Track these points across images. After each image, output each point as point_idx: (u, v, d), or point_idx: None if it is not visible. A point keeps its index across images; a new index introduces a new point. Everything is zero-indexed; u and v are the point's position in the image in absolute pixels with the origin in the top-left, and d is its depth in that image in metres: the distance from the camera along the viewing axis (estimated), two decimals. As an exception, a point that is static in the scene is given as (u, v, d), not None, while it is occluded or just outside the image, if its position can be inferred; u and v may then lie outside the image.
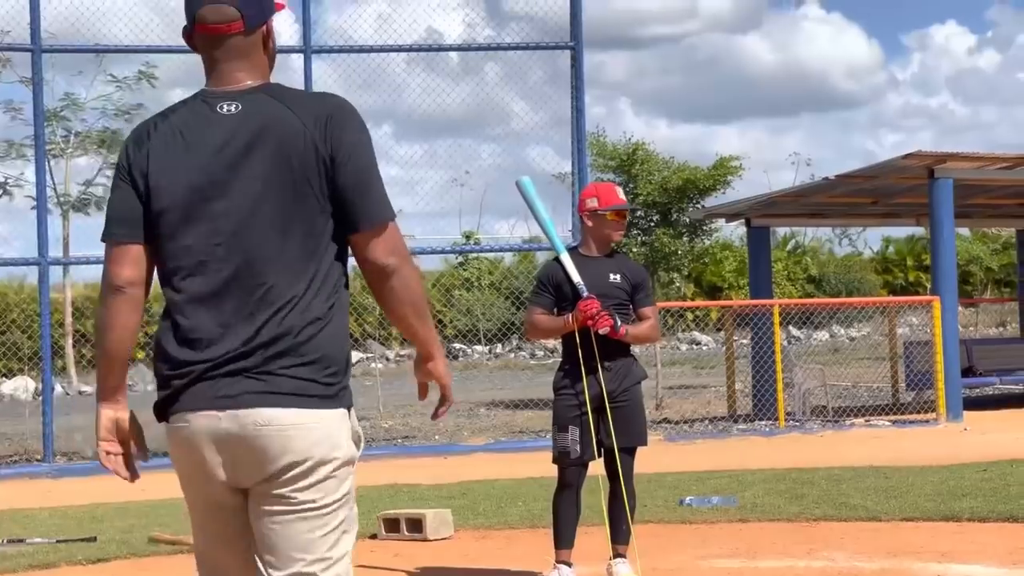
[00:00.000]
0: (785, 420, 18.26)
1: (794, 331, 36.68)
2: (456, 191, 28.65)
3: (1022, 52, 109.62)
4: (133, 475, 3.63)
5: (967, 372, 19.63)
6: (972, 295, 44.74)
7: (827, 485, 11.14)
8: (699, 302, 38.27)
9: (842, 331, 42.67)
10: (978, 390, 21.44)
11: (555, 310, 7.00)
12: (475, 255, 45.46)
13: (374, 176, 3.51)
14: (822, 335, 42.19)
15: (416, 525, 9.21)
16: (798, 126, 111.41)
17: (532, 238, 57.19)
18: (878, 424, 18.20)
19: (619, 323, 6.81)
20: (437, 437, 20.25)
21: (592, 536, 7.66)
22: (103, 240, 3.56)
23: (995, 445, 14.94)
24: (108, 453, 3.58)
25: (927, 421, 18.08)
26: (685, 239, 23.74)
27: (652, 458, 9.62)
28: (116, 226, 3.54)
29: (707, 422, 19.71)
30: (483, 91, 18.43)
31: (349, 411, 3.51)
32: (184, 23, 3.62)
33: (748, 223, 21.63)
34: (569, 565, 6.96)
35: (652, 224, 24.05)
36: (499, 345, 41.68)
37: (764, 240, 22.09)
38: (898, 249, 54.53)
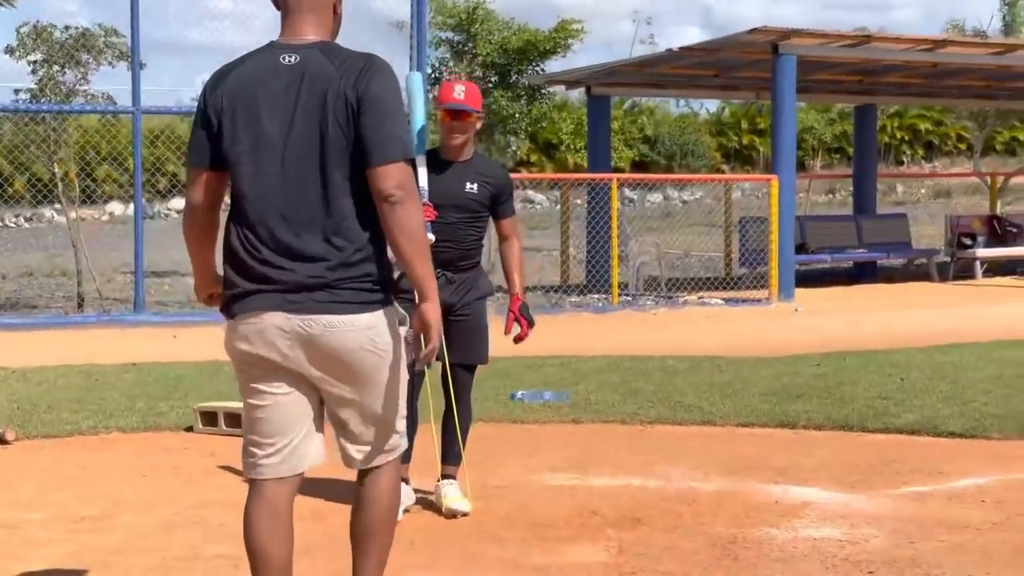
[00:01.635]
0: (619, 295, 18.06)
1: (628, 193, 36.63)
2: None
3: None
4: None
5: (800, 249, 19.61)
6: (804, 162, 45.09)
7: (661, 378, 10.90)
8: (536, 174, 37.95)
9: (676, 194, 42.74)
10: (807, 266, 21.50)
11: None
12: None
13: (393, 121, 4.08)
14: (656, 197, 42.26)
15: (236, 420, 8.72)
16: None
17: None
18: (711, 302, 18.10)
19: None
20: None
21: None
22: (184, 165, 4.37)
23: (826, 330, 14.94)
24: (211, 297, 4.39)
25: (759, 300, 18.03)
26: (523, 102, 23.24)
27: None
28: (191, 155, 4.21)
29: (540, 291, 19.44)
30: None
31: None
32: None
33: (588, 91, 21.19)
34: (407, 482, 6.54)
35: (490, 86, 23.48)
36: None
37: (604, 110, 21.71)
38: (733, 111, 54.64)
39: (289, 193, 4.07)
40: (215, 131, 4.13)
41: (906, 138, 54.82)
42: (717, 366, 11.63)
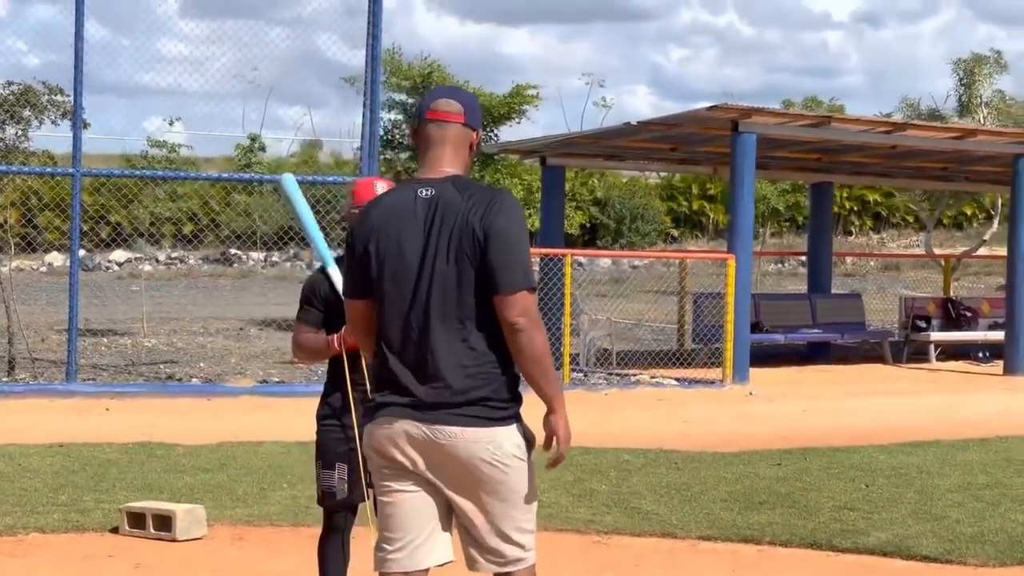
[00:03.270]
0: (570, 371, 17.56)
1: (579, 256, 36.27)
2: (244, 76, 27.10)
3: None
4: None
5: (754, 327, 19.22)
6: (755, 231, 44.93)
7: (616, 478, 10.43)
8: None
9: (625, 261, 42.42)
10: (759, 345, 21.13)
11: (325, 328, 5.93)
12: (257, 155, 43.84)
13: (518, 252, 4.42)
14: (605, 261, 41.93)
15: (165, 523, 8.17)
16: (588, 34, 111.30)
17: (314, 141, 55.69)
18: (664, 383, 17.66)
19: None
20: (202, 365, 19.15)
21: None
22: (344, 296, 4.78)
23: (782, 419, 14.55)
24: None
25: (713, 382, 17.62)
26: (476, 168, 22.85)
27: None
28: (347, 286, 4.69)
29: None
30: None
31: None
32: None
33: (543, 161, 20.80)
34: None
35: (443, 151, 23.08)
36: (276, 253, 40.34)
37: (558, 180, 21.29)
38: (683, 177, 54.46)
39: (424, 318, 4.43)
40: (365, 264, 4.53)
41: (855, 208, 54.85)
42: (674, 463, 11.17)
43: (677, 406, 15.71)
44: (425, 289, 4.43)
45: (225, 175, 22.92)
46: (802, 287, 31.53)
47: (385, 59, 21.83)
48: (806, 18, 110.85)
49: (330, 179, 18.31)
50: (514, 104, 22.92)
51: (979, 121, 26.45)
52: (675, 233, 54.57)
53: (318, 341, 5.86)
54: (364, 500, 5.92)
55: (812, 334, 20.95)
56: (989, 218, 52.07)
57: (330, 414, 5.96)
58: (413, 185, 4.57)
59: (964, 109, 27.51)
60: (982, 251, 30.19)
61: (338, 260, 6.00)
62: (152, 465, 10.54)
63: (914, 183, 25.62)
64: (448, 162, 4.57)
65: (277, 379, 17.30)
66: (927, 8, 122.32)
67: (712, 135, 18.92)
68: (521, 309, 4.37)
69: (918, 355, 21.42)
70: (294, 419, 13.62)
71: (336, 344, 5.78)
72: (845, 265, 46.99)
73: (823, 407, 15.74)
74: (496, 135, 23.36)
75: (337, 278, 5.82)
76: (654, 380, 17.81)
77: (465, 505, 4.52)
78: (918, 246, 51.50)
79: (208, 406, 14.73)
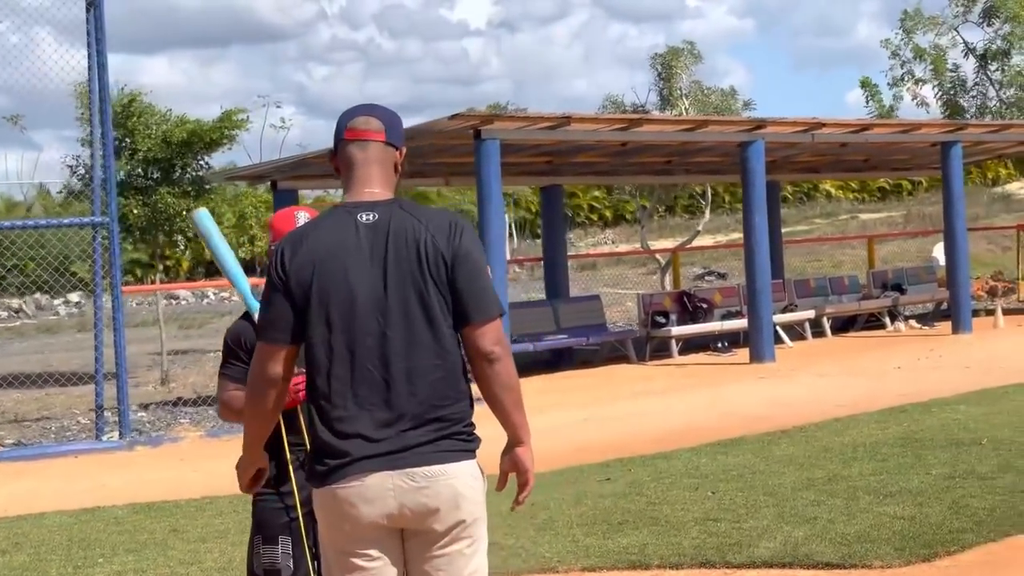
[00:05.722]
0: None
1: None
2: None
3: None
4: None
5: (502, 339, 18.74)
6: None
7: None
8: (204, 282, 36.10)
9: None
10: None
11: None
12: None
13: (485, 278, 4.12)
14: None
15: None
16: (228, 58, 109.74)
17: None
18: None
19: None
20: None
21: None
22: (258, 341, 4.15)
23: (568, 431, 14.11)
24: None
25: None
26: (191, 198, 21.68)
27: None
28: (272, 331, 4.10)
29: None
30: None
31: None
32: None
33: (274, 186, 19.83)
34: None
35: (153, 183, 21.84)
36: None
37: (290, 203, 20.35)
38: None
39: (388, 354, 4.05)
40: (299, 303, 4.07)
41: (538, 210, 55.34)
42: (494, 488, 10.51)
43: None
44: (380, 323, 4.06)
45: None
46: (512, 295, 31.51)
47: (78, 91, 20.52)
48: (444, 28, 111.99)
49: (43, 223, 16.81)
50: (225, 129, 21.83)
51: (682, 112, 26.76)
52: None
53: None
54: (312, 575, 5.11)
55: (558, 340, 20.62)
56: (669, 212, 53.61)
57: (265, 484, 5.11)
58: (348, 210, 4.14)
59: (666, 102, 27.81)
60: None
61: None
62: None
63: (638, 179, 25.70)
64: (378, 183, 4.19)
65: (11, 441, 15.85)
66: (560, 10, 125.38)
67: (448, 145, 18.41)
68: (495, 337, 4.09)
69: (660, 351, 21.38)
70: (58, 484, 12.46)
71: None
72: (539, 270, 47.26)
73: (601, 414, 15.38)
74: (207, 161, 22.22)
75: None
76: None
77: (431, 559, 4.14)
78: (607, 243, 52.37)
79: (-50, 479, 13.32)
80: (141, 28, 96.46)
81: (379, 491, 4.05)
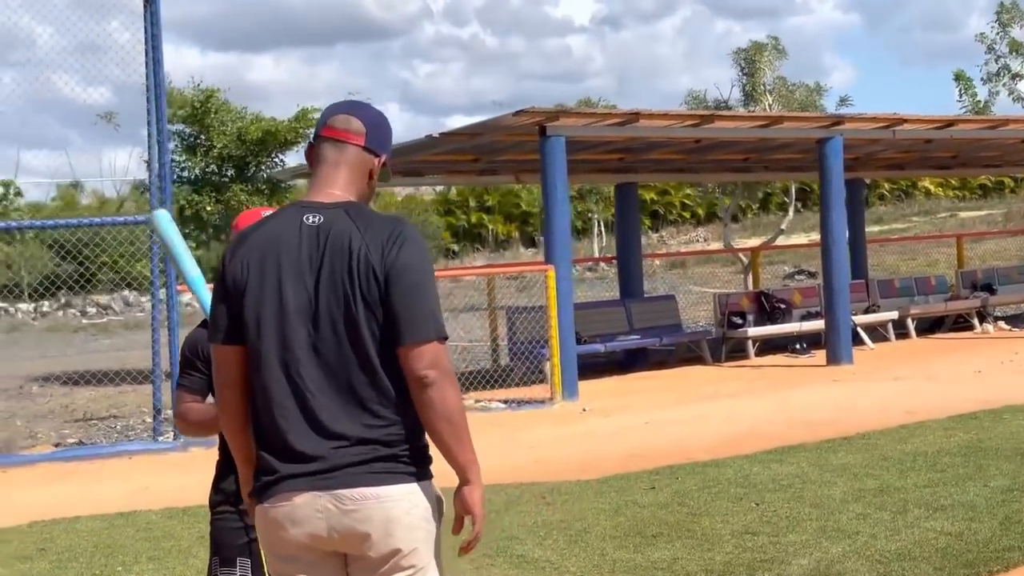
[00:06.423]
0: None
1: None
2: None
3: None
4: None
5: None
6: (534, 238, 44.44)
7: (493, 521, 9.43)
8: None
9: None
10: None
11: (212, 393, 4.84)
12: (14, 201, 41.74)
13: (423, 296, 3.77)
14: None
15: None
16: (333, 56, 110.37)
17: (75, 183, 53.25)
18: (491, 406, 16.73)
19: None
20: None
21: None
22: (209, 342, 3.97)
23: (626, 435, 13.78)
24: None
25: (543, 401, 16.75)
26: (265, 196, 21.64)
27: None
28: (213, 331, 3.92)
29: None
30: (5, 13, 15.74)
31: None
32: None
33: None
34: None
35: (227, 180, 21.81)
36: (46, 302, 38.27)
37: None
38: (459, 190, 53.79)
39: (315, 368, 3.79)
40: (235, 303, 3.85)
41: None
42: (541, 496, 10.26)
43: (514, 430, 14.78)
44: (311, 335, 3.79)
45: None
46: (594, 294, 31.13)
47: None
48: (548, 24, 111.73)
49: (97, 221, 16.71)
50: (300, 128, 21.76)
51: (766, 108, 26.25)
52: (455, 248, 53.90)
53: (207, 412, 4.76)
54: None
55: (631, 341, 20.24)
56: (763, 208, 52.85)
57: (224, 500, 4.87)
58: (299, 209, 3.91)
59: (749, 98, 27.30)
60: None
61: None
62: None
63: (715, 177, 25.24)
64: (342, 185, 3.93)
65: (73, 440, 15.83)
66: (665, 7, 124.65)
67: (516, 142, 18.12)
68: (430, 361, 3.75)
69: (736, 352, 20.93)
70: (104, 486, 12.34)
71: None
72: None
73: (664, 417, 15.00)
74: (282, 161, 22.17)
75: None
76: (480, 404, 16.86)
77: None
78: (699, 241, 51.85)
79: (4, 479, 13.27)
80: (249, 26, 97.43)
81: (307, 512, 3.80)
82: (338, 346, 3.79)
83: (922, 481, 9.85)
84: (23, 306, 38.06)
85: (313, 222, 3.84)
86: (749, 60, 27.18)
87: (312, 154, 4.03)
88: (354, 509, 3.77)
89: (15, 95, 16.83)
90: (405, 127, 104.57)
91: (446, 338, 3.83)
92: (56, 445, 15.31)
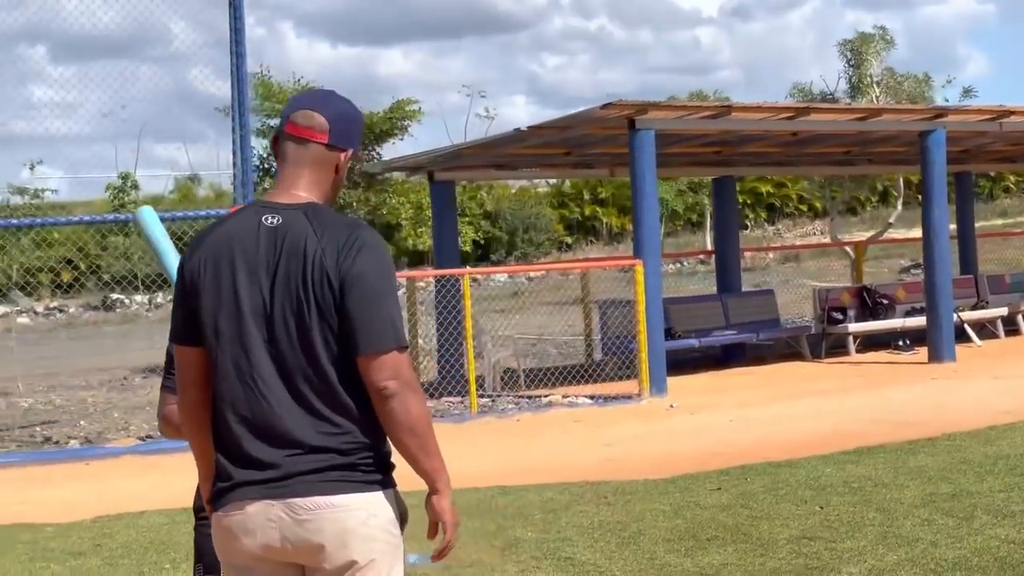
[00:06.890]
0: (477, 398, 16.37)
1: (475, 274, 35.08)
2: (115, 113, 25.99)
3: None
4: None
5: (666, 334, 18.15)
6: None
7: (543, 521, 9.28)
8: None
9: (521, 274, 41.33)
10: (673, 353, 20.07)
11: None
12: (130, 194, 42.36)
13: (382, 304, 3.66)
14: (501, 275, 40.84)
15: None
16: (461, 48, 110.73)
17: (192, 176, 54.00)
18: (577, 402, 16.56)
19: None
20: (82, 423, 17.77)
21: None
22: (170, 341, 3.90)
23: (710, 433, 13.54)
24: None
25: (630, 397, 16.52)
26: (361, 189, 21.67)
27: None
28: (172, 331, 3.82)
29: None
30: (141, 9, 15.90)
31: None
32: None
33: (431, 177, 19.59)
34: None
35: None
36: (160, 294, 38.80)
37: (448, 196, 20.07)
38: (573, 183, 53.56)
39: (270, 373, 3.69)
40: (194, 303, 3.75)
41: (748, 201, 54.28)
42: (603, 497, 10.06)
43: (595, 427, 14.60)
44: (265, 339, 3.69)
45: (87, 218, 21.33)
46: (704, 287, 30.74)
47: (256, 83, 20.64)
48: (677, 16, 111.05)
49: (203, 213, 16.90)
50: (396, 120, 21.75)
51: (872, 100, 25.73)
52: (568, 240, 53.71)
53: None
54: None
55: (727, 336, 19.94)
56: (883, 201, 51.99)
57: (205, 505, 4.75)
58: (258, 209, 3.79)
59: (856, 90, 26.79)
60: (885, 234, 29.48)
61: None
62: (15, 555, 9.22)
63: (816, 170, 24.80)
64: (305, 185, 3.79)
65: (145, 434, 15.94)
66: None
67: (606, 135, 17.90)
68: (390, 371, 3.63)
69: (837, 348, 20.51)
70: (181, 478, 12.36)
71: None
72: (744, 260, 46.36)
73: (750, 415, 14.73)
74: (379, 153, 22.16)
75: None
76: (567, 400, 16.69)
77: None
78: (815, 234, 51.12)
79: (87, 471, 13.39)
80: (378, 19, 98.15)
81: (260, 521, 3.69)
82: (292, 351, 3.68)
83: (998, 486, 9.51)
84: (138, 297, 38.63)
85: (271, 223, 3.73)
86: (855, 51, 26.66)
87: (275, 150, 3.92)
88: (307, 519, 3.67)
89: (150, 89, 17.00)
90: (532, 119, 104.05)
91: (406, 347, 3.70)
92: (143, 438, 15.43)
